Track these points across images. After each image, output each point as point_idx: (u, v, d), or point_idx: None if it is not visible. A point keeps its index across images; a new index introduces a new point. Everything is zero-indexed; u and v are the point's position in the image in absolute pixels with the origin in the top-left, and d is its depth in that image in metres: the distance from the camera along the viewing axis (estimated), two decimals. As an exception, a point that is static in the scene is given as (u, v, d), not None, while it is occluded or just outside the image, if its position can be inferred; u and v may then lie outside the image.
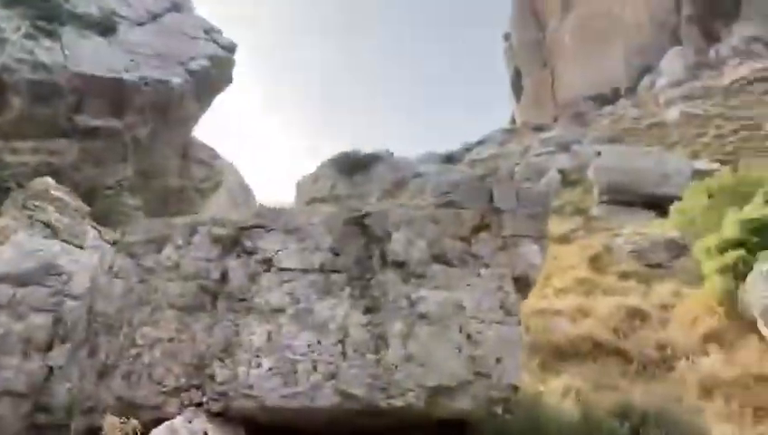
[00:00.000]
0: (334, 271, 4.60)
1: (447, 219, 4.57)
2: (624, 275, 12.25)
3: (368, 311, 4.36)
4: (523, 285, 5.14)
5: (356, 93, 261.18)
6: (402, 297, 4.40)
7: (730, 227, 8.81)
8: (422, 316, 4.33)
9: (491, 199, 5.31)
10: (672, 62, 64.38)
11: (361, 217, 4.72)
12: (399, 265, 4.52)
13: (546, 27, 77.56)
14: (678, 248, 12.32)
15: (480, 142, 64.34)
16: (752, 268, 7.74)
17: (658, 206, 27.97)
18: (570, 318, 8.92)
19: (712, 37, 67.51)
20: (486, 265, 4.50)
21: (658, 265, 12.56)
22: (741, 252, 8.38)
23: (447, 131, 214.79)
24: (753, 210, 8.74)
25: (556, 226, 23.73)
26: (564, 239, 18.98)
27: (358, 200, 50.07)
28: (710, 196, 12.27)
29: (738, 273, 8.37)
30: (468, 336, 4.28)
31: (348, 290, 4.45)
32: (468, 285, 4.45)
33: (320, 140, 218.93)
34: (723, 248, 8.71)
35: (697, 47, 66.84)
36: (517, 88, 78.98)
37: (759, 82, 52.59)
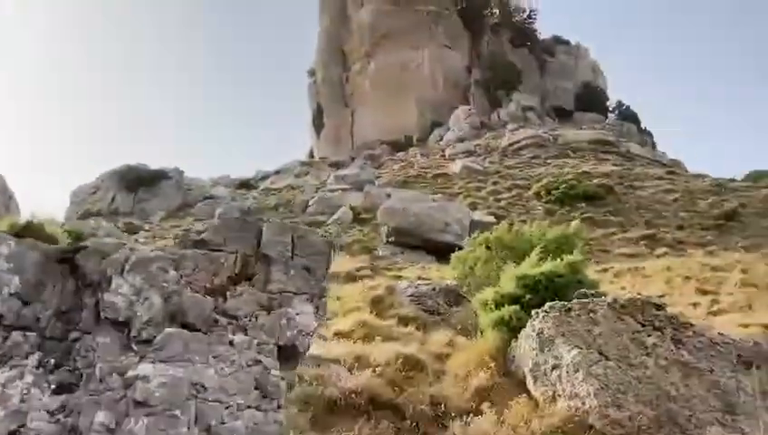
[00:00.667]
0: (20, 328, 3.19)
1: (195, 264, 3.41)
2: (404, 320, 12.05)
3: (60, 390, 3.01)
4: (290, 355, 4.13)
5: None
6: (114, 372, 3.11)
7: (507, 281, 8.85)
8: (139, 403, 3.03)
9: (259, 243, 4.15)
10: (460, 120, 69.49)
11: (71, 251, 3.39)
12: (118, 324, 3.26)
13: (350, 69, 79.74)
14: (456, 296, 12.45)
15: (277, 172, 63.65)
16: (525, 325, 7.68)
17: (440, 251, 29.17)
18: (347, 367, 8.30)
19: (496, 102, 74.22)
20: (243, 330, 3.52)
21: (437, 313, 12.58)
22: (515, 308, 8.39)
23: (245, 158, 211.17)
24: (528, 267, 8.85)
25: (346, 263, 23.58)
26: (351, 278, 18.70)
27: (138, 218, 46.60)
28: (488, 247, 12.52)
29: (512, 328, 8.35)
30: (207, 430, 3.18)
31: (37, 356, 3.05)
32: (215, 356, 3.34)
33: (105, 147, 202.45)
34: (499, 302, 8.71)
35: (483, 109, 73.00)
36: (318, 124, 79.88)
37: (530, 147, 58.42)
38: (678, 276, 21.50)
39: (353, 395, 7.16)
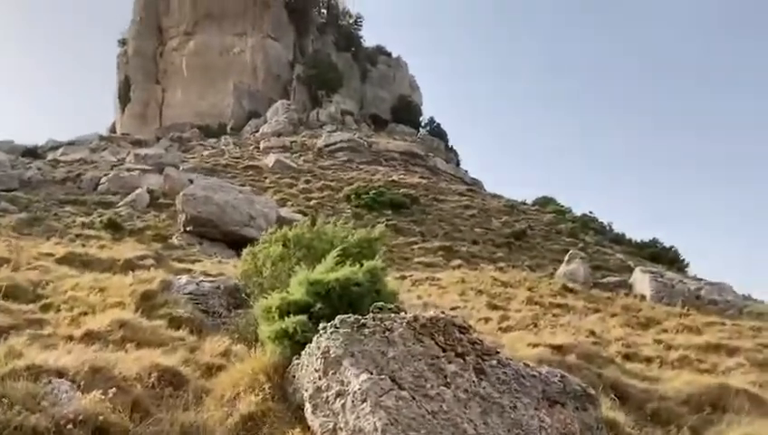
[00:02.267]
0: None
1: None
2: (176, 322, 10.14)
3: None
4: None
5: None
6: None
7: (296, 286, 7.40)
8: None
9: None
10: (278, 114, 67.51)
11: None
12: None
13: (166, 45, 74.27)
14: (243, 298, 10.82)
15: (71, 143, 57.01)
16: (311, 340, 6.29)
17: (241, 246, 27.24)
18: (78, 382, 6.30)
19: (315, 101, 73.37)
20: None
21: (219, 315, 10.84)
22: (302, 318, 6.97)
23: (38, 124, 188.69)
24: (323, 271, 7.49)
25: (127, 250, 20.73)
26: (129, 267, 16.17)
27: None
28: (284, 245, 11.02)
29: (296, 342, 6.91)
30: None
31: None
32: None
33: None
34: (285, 311, 7.23)
35: (302, 106, 71.73)
36: (124, 97, 73.24)
37: (345, 150, 58.23)
38: (472, 289, 21.78)
39: (70, 425, 5.24)
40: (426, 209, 43.08)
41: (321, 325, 6.29)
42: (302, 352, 6.49)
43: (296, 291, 7.32)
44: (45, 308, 10.11)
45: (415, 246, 34.32)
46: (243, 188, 35.66)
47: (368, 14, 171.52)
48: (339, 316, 6.16)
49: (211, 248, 29.28)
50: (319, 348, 6.10)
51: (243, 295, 10.62)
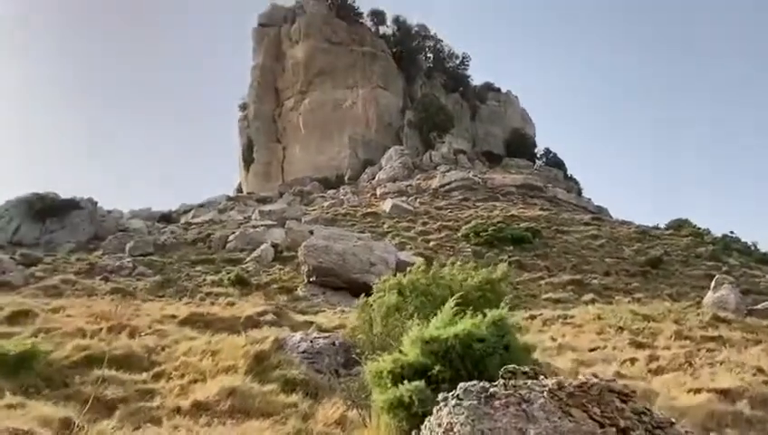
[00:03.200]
0: None
1: None
2: (290, 385, 9.27)
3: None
4: None
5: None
6: None
7: (410, 346, 6.22)
8: None
9: None
10: (392, 160, 67.74)
11: None
12: None
13: (283, 105, 77.33)
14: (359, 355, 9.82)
15: (201, 205, 59.97)
16: (431, 411, 5.05)
17: (364, 292, 26.62)
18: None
19: (428, 143, 73.10)
20: None
21: (333, 373, 9.89)
22: (419, 384, 5.77)
23: (172, 191, 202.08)
24: (440, 326, 6.27)
25: (249, 307, 20.50)
26: (249, 324, 15.73)
27: (44, 250, 41.98)
28: (400, 293, 9.91)
29: (413, 414, 5.71)
30: None
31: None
32: None
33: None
34: (398, 375, 6.07)
35: (415, 150, 71.67)
36: (248, 159, 76.67)
37: (460, 189, 57.03)
38: (610, 326, 19.59)
39: None
40: (549, 242, 40.70)
41: (441, 395, 5.08)
42: (422, 428, 5.29)
43: (410, 351, 6.16)
44: (157, 377, 9.60)
45: (541, 282, 32.18)
46: (362, 235, 35.28)
47: (475, 52, 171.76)
48: (461, 384, 4.92)
49: (334, 297, 28.91)
50: (440, 425, 4.85)
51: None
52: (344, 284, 30.28)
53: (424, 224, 45.52)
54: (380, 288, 10.77)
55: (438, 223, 45.55)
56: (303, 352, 10.31)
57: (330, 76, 75.88)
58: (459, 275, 10.42)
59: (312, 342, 10.58)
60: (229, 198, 62.93)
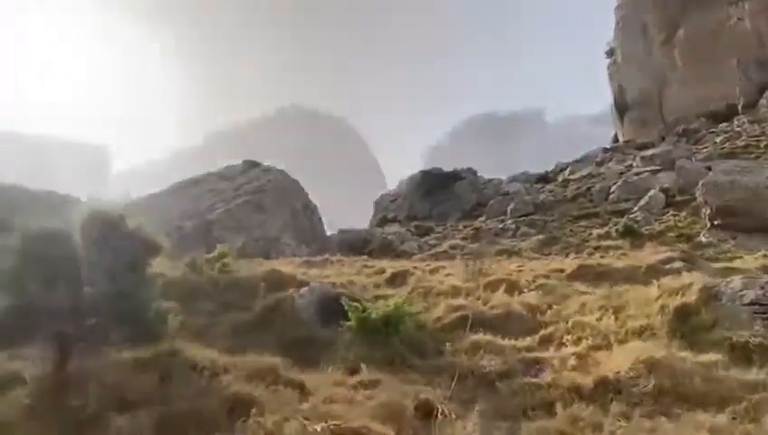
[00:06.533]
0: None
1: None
2: (739, 352, 5.94)
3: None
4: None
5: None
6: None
7: None
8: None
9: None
10: (801, 75, 53.89)
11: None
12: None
13: (653, 42, 68.46)
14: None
15: (577, 161, 56.76)
16: None
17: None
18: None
19: None
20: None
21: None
22: None
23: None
24: None
25: (648, 254, 17.07)
26: (651, 274, 12.41)
27: (436, 221, 44.44)
28: None
29: None
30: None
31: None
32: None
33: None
34: None
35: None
36: (621, 106, 70.14)
37: None
38: None
39: None
40: None
41: None
42: None
43: None
44: (544, 342, 7.22)
45: None
46: (776, 166, 28.02)
47: None
48: None
49: (750, 241, 23.25)
50: None
51: None
52: (759, 225, 24.31)
53: None
54: None
55: None
56: (752, 304, 6.75)
57: (705, -2, 64.31)
58: None
59: (763, 288, 6.93)
60: (605, 150, 58.22)
